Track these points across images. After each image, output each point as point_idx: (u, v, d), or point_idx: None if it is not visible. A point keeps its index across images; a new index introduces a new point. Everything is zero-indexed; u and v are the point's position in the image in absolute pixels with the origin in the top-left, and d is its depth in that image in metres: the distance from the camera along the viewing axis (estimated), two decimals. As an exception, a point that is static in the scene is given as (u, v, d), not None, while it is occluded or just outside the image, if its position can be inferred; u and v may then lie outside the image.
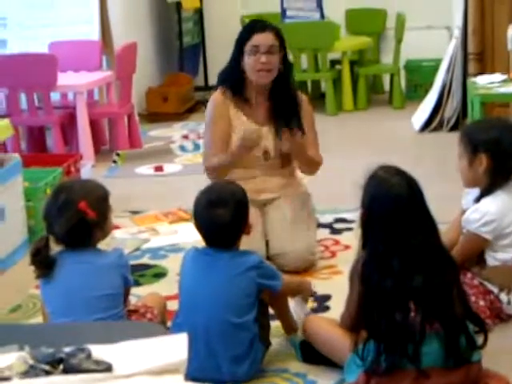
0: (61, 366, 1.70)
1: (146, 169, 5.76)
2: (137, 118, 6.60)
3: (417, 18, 7.69)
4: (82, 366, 1.69)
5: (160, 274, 3.78)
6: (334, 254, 3.92)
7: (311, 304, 3.31)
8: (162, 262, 3.93)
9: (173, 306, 3.04)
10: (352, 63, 7.52)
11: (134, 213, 4.68)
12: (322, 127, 6.64)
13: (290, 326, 2.98)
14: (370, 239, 2.52)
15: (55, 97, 6.14)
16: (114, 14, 6.79)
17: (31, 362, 1.71)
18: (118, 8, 6.91)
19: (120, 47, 6.34)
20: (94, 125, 6.17)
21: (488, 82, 5.12)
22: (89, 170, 5.41)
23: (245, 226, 2.79)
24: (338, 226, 4.29)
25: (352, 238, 3.75)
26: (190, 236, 3.85)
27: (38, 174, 4.40)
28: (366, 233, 2.53)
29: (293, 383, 2.76)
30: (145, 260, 3.99)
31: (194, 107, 7.66)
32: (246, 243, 2.87)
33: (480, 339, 2.52)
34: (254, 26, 3.73)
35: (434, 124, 6.36)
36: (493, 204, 3.04)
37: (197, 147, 6.16)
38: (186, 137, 6.60)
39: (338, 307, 2.85)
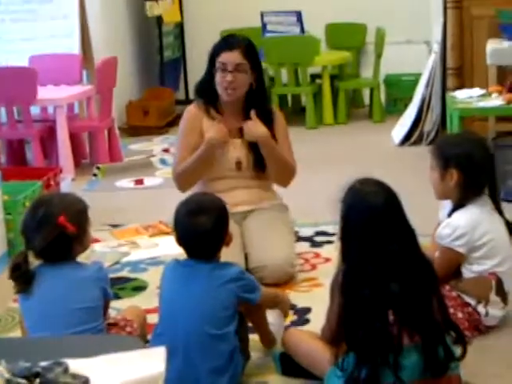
0: (37, 381, 1.69)
1: (127, 182, 5.75)
2: (117, 131, 6.60)
3: (396, 32, 7.74)
4: (58, 380, 1.68)
5: (140, 288, 3.77)
6: (314, 267, 3.92)
7: (291, 317, 3.31)
8: (142, 276, 3.92)
9: (153, 319, 3.03)
10: (332, 77, 7.55)
11: (115, 226, 4.67)
12: (303, 141, 6.71)
13: (267, 339, 2.97)
14: (347, 250, 2.52)
15: (35, 110, 6.12)
16: (94, 28, 6.79)
17: (7, 376, 1.70)
18: (98, 22, 6.91)
19: (100, 61, 6.35)
20: (74, 138, 6.16)
21: (467, 97, 5.15)
22: (69, 183, 5.40)
23: (225, 236, 2.79)
24: (318, 238, 4.30)
25: (332, 251, 3.76)
26: (170, 249, 3.84)
27: (18, 187, 4.38)
28: (344, 243, 2.53)
29: (273, 396, 2.76)
30: (125, 273, 3.97)
31: (175, 121, 7.65)
32: (224, 256, 2.87)
33: (459, 351, 2.53)
34: (223, 43, 3.77)
35: (414, 138, 6.40)
36: (463, 218, 3.07)
37: (177, 161, 6.16)
38: (166, 150, 6.60)
39: (318, 320, 2.85)
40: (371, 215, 2.47)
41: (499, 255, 3.10)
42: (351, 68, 7.96)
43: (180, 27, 8.40)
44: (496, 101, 4.98)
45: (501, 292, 3.11)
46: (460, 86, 5.97)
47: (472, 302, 3.08)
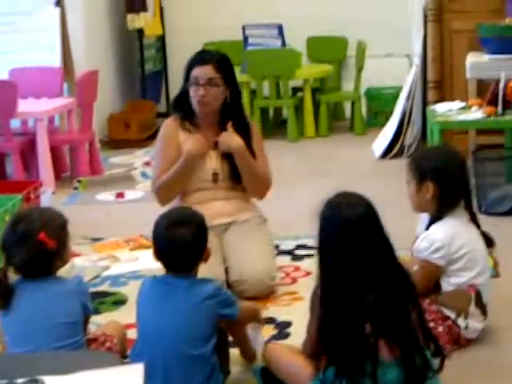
0: (14, 398, 1.68)
1: (107, 195, 5.73)
2: (98, 144, 6.59)
3: (377, 46, 7.78)
4: (35, 396, 1.67)
5: (120, 302, 3.75)
6: (294, 281, 3.92)
7: (272, 331, 3.30)
8: (123, 290, 3.90)
9: (133, 334, 3.00)
10: (313, 90, 7.57)
11: (95, 240, 4.65)
12: (284, 154, 6.73)
13: (248, 353, 2.97)
14: (324, 262, 2.52)
15: (15, 123, 6.10)
16: (75, 41, 6.78)
17: (-16, 393, 1.68)
18: (79, 35, 6.90)
19: (81, 74, 6.34)
20: (55, 152, 6.14)
21: (447, 110, 5.17)
22: (49, 196, 5.37)
23: (204, 250, 2.78)
24: (298, 252, 4.30)
25: (313, 264, 3.75)
26: (151, 263, 3.80)
27: (-3, 201, 4.35)
28: (321, 256, 2.54)
29: (253, 411, 2.75)
30: (105, 287, 3.95)
31: (156, 134, 7.59)
32: (205, 270, 2.86)
33: (437, 363, 2.52)
34: (196, 57, 3.79)
35: (395, 151, 6.42)
36: (440, 231, 3.09)
37: (158, 174, 6.15)
38: (147, 163, 6.58)
39: (298, 334, 2.84)
40: (346, 227, 2.47)
41: (477, 267, 3.12)
42: (332, 81, 7.99)
43: (161, 40, 8.40)
44: (476, 114, 5.00)
45: (480, 304, 3.12)
46: (440, 99, 6.01)
47: (452, 315, 3.08)
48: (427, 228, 3.15)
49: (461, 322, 3.08)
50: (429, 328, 2.57)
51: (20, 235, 2.66)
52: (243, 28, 7.61)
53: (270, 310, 3.54)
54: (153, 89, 8.23)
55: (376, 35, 7.80)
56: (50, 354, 2.35)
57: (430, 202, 3.13)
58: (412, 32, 6.75)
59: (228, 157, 3.77)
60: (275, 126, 7.81)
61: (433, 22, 6.33)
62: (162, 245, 2.75)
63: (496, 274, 3.64)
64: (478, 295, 3.11)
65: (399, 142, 6.43)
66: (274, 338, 3.24)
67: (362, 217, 2.48)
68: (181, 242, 2.71)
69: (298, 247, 4.35)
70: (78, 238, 4.34)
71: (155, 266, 2.90)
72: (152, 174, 3.95)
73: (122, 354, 2.92)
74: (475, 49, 5.80)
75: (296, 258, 4.23)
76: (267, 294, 3.71)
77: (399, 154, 6.37)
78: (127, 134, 7.40)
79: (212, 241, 2.88)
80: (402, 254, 2.66)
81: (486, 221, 3.81)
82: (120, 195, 5.71)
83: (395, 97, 6.84)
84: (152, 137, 7.53)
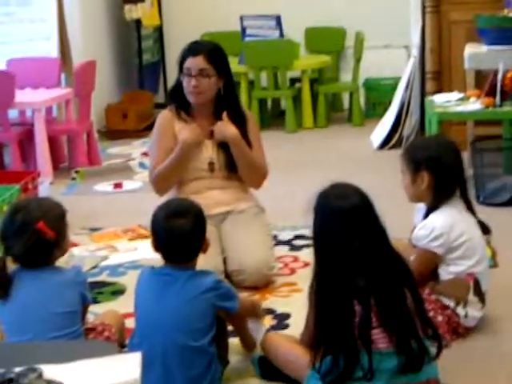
0: (11, 386, 1.68)
1: (105, 186, 5.73)
2: (96, 135, 6.58)
3: (375, 36, 7.77)
4: (32, 385, 1.67)
5: (118, 292, 3.75)
6: (293, 271, 3.92)
7: (271, 321, 3.31)
8: (121, 280, 3.90)
9: (131, 323, 3.01)
10: (312, 81, 7.57)
11: (93, 230, 4.65)
12: (282, 144, 6.73)
13: (249, 343, 2.97)
14: (318, 250, 2.53)
15: (13, 114, 6.09)
16: (72, 31, 6.76)
17: (-19, 382, 1.69)
18: (77, 25, 6.89)
19: (79, 64, 6.33)
20: (53, 142, 6.13)
21: (445, 101, 5.17)
22: (47, 187, 5.37)
23: (203, 241, 2.78)
24: (297, 242, 4.30)
25: (311, 255, 3.76)
26: (149, 253, 3.81)
27: (-5, 191, 4.35)
28: (315, 245, 2.54)
29: (252, 400, 2.76)
30: (103, 277, 3.96)
31: (154, 124, 7.63)
32: (203, 260, 2.86)
33: (434, 350, 2.52)
34: (189, 48, 3.79)
35: (393, 142, 6.42)
36: (439, 219, 3.10)
37: (156, 164, 6.15)
38: (145, 154, 6.57)
39: (297, 325, 2.85)
40: (340, 218, 2.47)
41: (476, 255, 3.12)
42: (330, 72, 7.98)
43: (159, 31, 8.39)
44: (474, 105, 5.00)
45: (478, 292, 3.13)
46: (438, 90, 6.00)
47: (451, 304, 3.09)
48: (424, 218, 3.15)
49: (460, 310, 3.09)
50: (427, 314, 2.57)
51: (19, 225, 2.66)
52: (241, 19, 7.59)
53: (269, 301, 3.55)
54: (151, 79, 8.22)
55: (374, 26, 7.80)
56: (48, 343, 2.35)
57: (426, 192, 3.14)
58: (410, 23, 6.74)
59: (224, 146, 3.78)
60: (273, 117, 7.80)
61: (431, 12, 6.32)
62: (161, 236, 2.75)
63: (494, 264, 3.65)
64: (477, 283, 3.12)
65: (397, 133, 6.43)
66: (273, 328, 3.24)
67: (356, 207, 2.48)
68: (180, 233, 2.71)
69: (296, 237, 4.36)
70: (76, 228, 4.34)
71: (154, 256, 2.90)
72: (149, 164, 3.96)
73: (121, 343, 2.92)
74: (473, 40, 5.79)
75: (294, 248, 4.23)
76: (266, 284, 3.72)
77: (397, 145, 6.35)
78: (125, 124, 7.40)
79: (210, 231, 2.88)
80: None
81: (484, 211, 3.82)
82: (118, 185, 5.71)
83: (393, 88, 6.83)
84: (150, 127, 7.49)
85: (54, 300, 2.66)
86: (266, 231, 3.89)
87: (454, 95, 5.23)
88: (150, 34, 8.24)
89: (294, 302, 3.48)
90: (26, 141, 6.00)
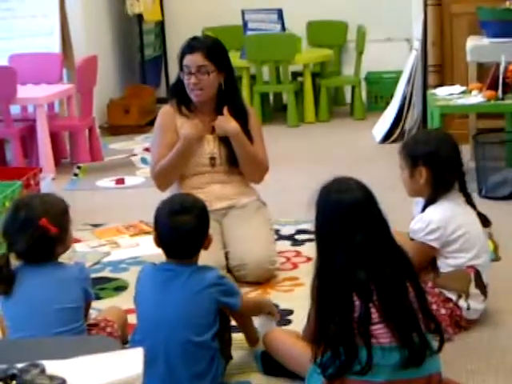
0: (14, 382, 1.69)
1: (107, 181, 5.73)
2: (98, 130, 6.58)
3: (377, 30, 7.76)
4: (35, 381, 1.68)
5: (121, 288, 3.75)
6: (295, 266, 3.92)
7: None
8: (123, 276, 3.90)
9: (133, 319, 3.01)
10: (314, 75, 7.56)
11: (95, 226, 4.65)
12: (284, 139, 6.73)
13: (252, 338, 2.97)
14: (320, 244, 2.53)
15: (15, 109, 6.09)
16: (74, 27, 6.77)
17: (-16, 378, 1.69)
18: (78, 20, 6.89)
19: (81, 60, 6.32)
20: (55, 138, 6.13)
21: (447, 94, 5.16)
22: (49, 182, 5.36)
23: (206, 237, 2.78)
24: (299, 237, 4.30)
25: (313, 250, 3.75)
26: (151, 249, 3.82)
27: (-3, 187, 4.35)
28: (317, 239, 2.54)
29: (254, 396, 2.76)
30: (106, 273, 3.96)
31: (156, 119, 7.63)
32: (206, 256, 2.86)
33: (436, 344, 2.52)
34: (186, 45, 3.78)
35: (395, 135, 6.41)
36: (436, 212, 3.10)
37: (158, 160, 6.14)
38: (147, 149, 6.56)
39: (299, 321, 2.85)
40: (342, 211, 2.47)
41: (474, 248, 3.12)
42: (332, 66, 7.97)
43: (161, 25, 8.38)
44: (476, 98, 4.99)
45: (480, 284, 3.13)
46: (441, 84, 5.99)
47: (453, 297, 3.09)
48: (422, 211, 3.15)
49: (462, 303, 3.09)
50: (429, 308, 2.57)
51: (22, 221, 2.66)
52: (242, 13, 7.58)
53: (272, 296, 3.55)
54: (152, 74, 8.22)
55: (376, 19, 7.78)
56: (50, 339, 2.36)
57: (424, 187, 3.14)
58: (412, 16, 6.74)
59: (225, 141, 3.78)
60: (275, 111, 7.80)
61: (433, 5, 6.31)
62: (165, 232, 2.74)
63: (496, 258, 3.65)
64: (478, 276, 3.12)
65: (399, 127, 6.42)
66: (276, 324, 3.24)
67: (358, 201, 2.48)
68: (184, 229, 2.70)
69: (298, 232, 4.36)
70: (78, 223, 4.34)
71: (156, 252, 2.90)
72: (151, 160, 3.96)
73: (123, 339, 2.93)
74: (475, 32, 5.78)
75: (296, 243, 4.23)
76: (268, 279, 3.72)
77: (400, 139, 6.33)
78: (127, 119, 7.39)
79: (211, 226, 2.88)
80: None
81: (486, 205, 3.82)
82: (120, 181, 5.71)
83: (395, 81, 6.83)
84: (152, 122, 7.45)
85: (57, 296, 2.66)
86: (267, 225, 3.89)
87: (456, 88, 5.22)
88: (151, 29, 8.24)
89: (296, 297, 3.48)
90: (28, 136, 6.01)
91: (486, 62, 5.44)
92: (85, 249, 4.26)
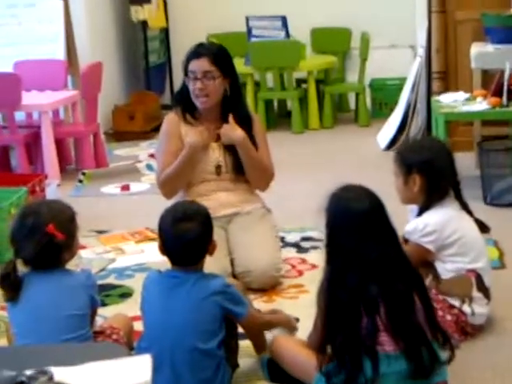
0: (23, 389, 1.69)
1: (113, 188, 5.73)
2: (102, 136, 6.59)
3: (381, 37, 7.77)
4: (43, 388, 1.68)
5: (126, 294, 3.75)
6: (300, 273, 3.92)
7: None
8: (129, 282, 3.91)
9: (139, 326, 3.01)
10: (318, 82, 7.56)
11: (101, 232, 4.65)
12: (288, 145, 6.73)
13: (260, 346, 2.96)
14: (332, 256, 2.52)
15: (20, 116, 6.11)
16: (79, 33, 6.78)
17: (-8, 385, 1.69)
18: (83, 27, 6.90)
19: (85, 66, 6.34)
20: (60, 144, 6.14)
21: (452, 101, 5.16)
22: (54, 189, 5.37)
23: (210, 244, 2.78)
24: (304, 244, 4.30)
25: (319, 257, 3.76)
26: (156, 255, 3.82)
27: (3, 193, 4.35)
28: (329, 250, 2.54)
29: (260, 403, 2.76)
30: (111, 280, 3.96)
31: (161, 126, 7.63)
32: (211, 262, 2.86)
33: (445, 355, 2.52)
34: (192, 51, 3.79)
35: (400, 142, 6.40)
36: (432, 216, 3.11)
37: (163, 166, 6.15)
38: (152, 156, 6.57)
39: (305, 328, 2.84)
40: (355, 221, 2.47)
41: (472, 252, 3.12)
42: (337, 72, 7.97)
43: (165, 32, 8.40)
44: (481, 105, 4.99)
45: (482, 287, 3.12)
46: (445, 90, 5.99)
47: (456, 303, 3.09)
48: (417, 217, 3.16)
49: (466, 308, 3.09)
50: (436, 319, 2.57)
51: (29, 228, 2.66)
52: (247, 19, 7.58)
53: (277, 303, 3.55)
54: (157, 81, 8.23)
55: (380, 26, 7.79)
56: (58, 346, 2.36)
57: (418, 194, 3.14)
58: (416, 23, 6.74)
59: (231, 149, 3.78)
60: (279, 118, 7.80)
61: (437, 12, 6.31)
62: (169, 240, 2.75)
63: (502, 265, 3.65)
64: (479, 279, 3.12)
65: (404, 134, 6.42)
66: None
67: (370, 210, 2.48)
68: (188, 236, 2.71)
69: (304, 239, 4.36)
70: (83, 230, 4.32)
71: (161, 259, 2.90)
72: (156, 168, 3.96)
73: (129, 346, 2.92)
74: (480, 39, 5.78)
75: (302, 250, 4.23)
76: (273, 286, 3.72)
77: (404, 146, 6.35)
78: (132, 125, 7.40)
79: (217, 233, 2.88)
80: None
81: (491, 212, 3.82)
82: (125, 188, 5.71)
83: (400, 88, 6.82)
84: (157, 129, 7.51)
85: (64, 302, 2.66)
86: (272, 232, 3.89)
87: (461, 95, 5.23)
88: (156, 36, 8.25)
89: (301, 304, 3.48)
90: (33, 143, 6.01)
91: (491, 68, 5.44)
92: (90, 255, 4.26)
